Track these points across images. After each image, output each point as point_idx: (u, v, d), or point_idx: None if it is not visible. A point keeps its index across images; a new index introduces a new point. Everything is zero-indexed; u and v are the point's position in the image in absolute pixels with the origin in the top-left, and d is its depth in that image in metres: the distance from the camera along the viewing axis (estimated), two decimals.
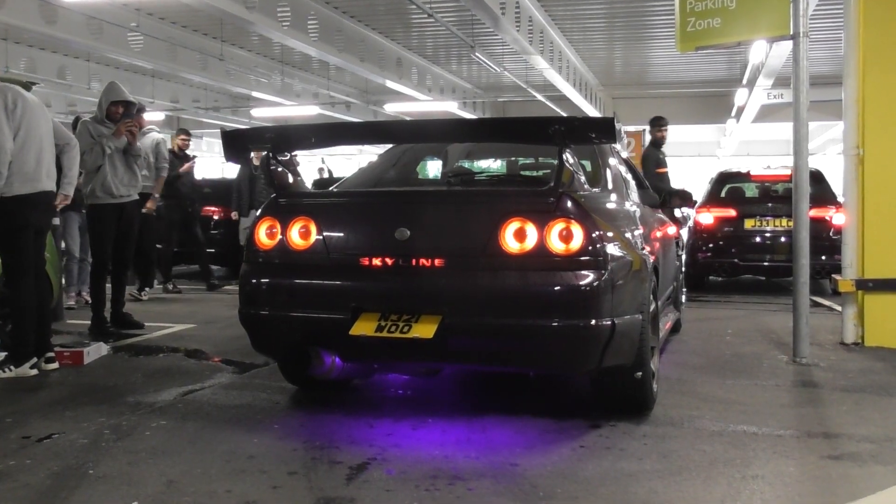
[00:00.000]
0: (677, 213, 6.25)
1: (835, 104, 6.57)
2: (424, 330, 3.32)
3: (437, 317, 3.34)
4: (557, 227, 3.33)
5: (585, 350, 3.35)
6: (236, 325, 4.02)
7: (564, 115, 16.38)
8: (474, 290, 3.38)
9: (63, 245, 7.27)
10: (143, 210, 7.03)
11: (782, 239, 8.52)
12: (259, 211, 3.89)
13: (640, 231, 4.12)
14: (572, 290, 3.28)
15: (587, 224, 3.33)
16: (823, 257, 8.03)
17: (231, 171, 15.11)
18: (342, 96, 19.77)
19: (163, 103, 19.25)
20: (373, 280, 3.52)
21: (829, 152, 28.64)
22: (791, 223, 5.32)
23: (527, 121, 3.95)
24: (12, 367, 4.53)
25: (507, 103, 22.18)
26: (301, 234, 3.65)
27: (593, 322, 3.28)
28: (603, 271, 3.31)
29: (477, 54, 12.89)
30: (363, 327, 3.40)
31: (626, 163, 5.24)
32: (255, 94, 17.78)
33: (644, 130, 19.36)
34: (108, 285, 6.25)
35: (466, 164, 5.07)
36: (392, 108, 19.84)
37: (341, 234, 3.63)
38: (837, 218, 8.09)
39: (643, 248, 3.97)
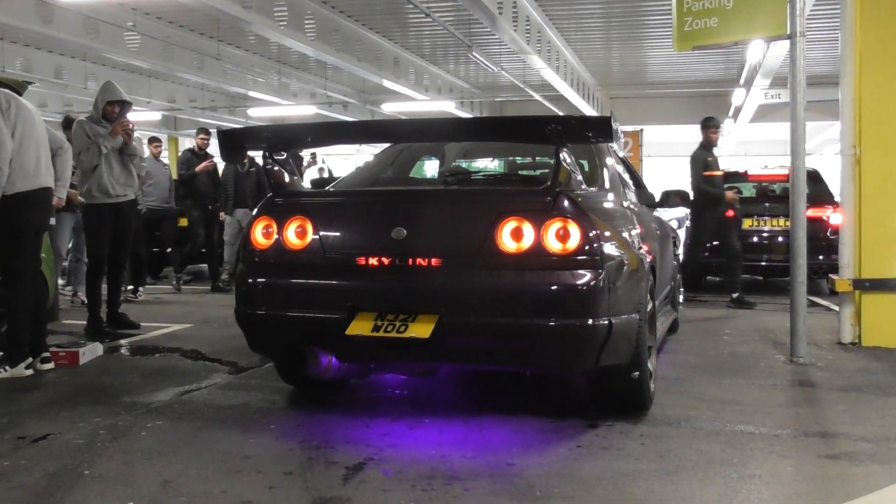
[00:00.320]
0: (672, 212, 6.26)
1: (832, 104, 6.57)
2: (421, 329, 3.31)
3: (434, 316, 3.34)
4: (554, 226, 3.32)
5: (582, 350, 3.35)
6: (233, 325, 4.01)
7: (561, 114, 16.37)
8: (471, 290, 3.37)
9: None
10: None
11: (780, 239, 8.53)
12: (255, 210, 3.88)
13: (638, 230, 4.12)
14: (569, 290, 3.28)
15: (584, 223, 3.33)
16: (821, 257, 8.03)
17: None
18: (339, 96, 19.73)
19: (159, 103, 19.20)
20: (369, 279, 3.51)
21: (826, 152, 28.63)
22: (788, 223, 5.32)
23: (524, 120, 3.94)
24: (8, 368, 4.52)
25: (505, 103, 22.16)
26: (297, 234, 3.64)
27: (590, 321, 3.28)
28: (600, 271, 3.30)
29: (474, 54, 12.88)
30: (360, 327, 3.40)
31: (624, 162, 5.24)
32: (251, 93, 17.74)
33: (641, 130, 19.40)
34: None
35: (463, 164, 5.06)
36: (389, 108, 19.82)
37: (338, 234, 3.63)
38: (835, 218, 8.10)
39: (640, 248, 3.97)
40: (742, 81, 17.24)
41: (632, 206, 4.46)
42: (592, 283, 3.28)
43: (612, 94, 21.05)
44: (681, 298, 6.51)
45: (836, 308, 6.02)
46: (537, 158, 5.22)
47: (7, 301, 4.60)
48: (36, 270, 4.76)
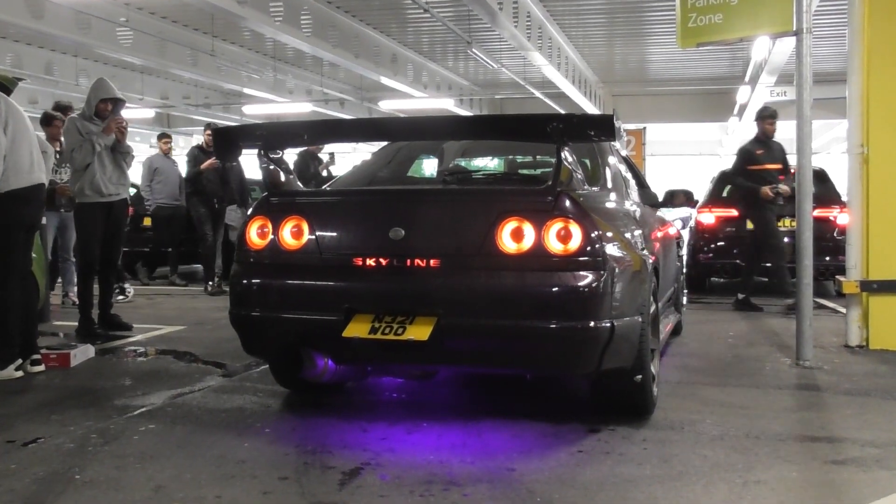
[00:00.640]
0: (677, 212, 6.14)
1: (839, 102, 6.51)
2: (419, 332, 3.27)
3: (433, 318, 3.29)
4: (555, 226, 3.28)
5: (583, 352, 3.30)
6: (227, 327, 3.98)
7: (563, 112, 16.32)
8: (470, 291, 3.33)
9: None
10: None
11: (785, 239, 8.45)
12: (249, 210, 3.84)
13: (640, 231, 4.08)
14: (570, 291, 3.23)
15: (586, 224, 3.28)
16: (827, 258, 7.96)
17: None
18: (336, 93, 19.70)
19: (152, 100, 19.16)
20: (367, 281, 3.47)
21: (833, 151, 28.62)
22: (794, 223, 5.27)
23: (524, 118, 3.92)
24: None
25: (505, 100, 22.13)
26: (293, 234, 3.60)
27: (592, 324, 3.24)
28: (602, 272, 3.26)
29: (474, 50, 12.84)
30: (356, 329, 3.35)
31: (626, 161, 5.19)
32: (246, 90, 17.71)
33: (644, 129, 19.34)
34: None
35: (463, 163, 5.01)
36: (387, 106, 19.80)
37: (334, 234, 3.58)
38: (841, 218, 8.02)
39: (643, 249, 3.92)
40: (747, 79, 17.20)
41: (634, 207, 4.42)
42: (594, 284, 3.24)
43: (615, 92, 21.02)
44: (684, 300, 6.45)
45: (843, 310, 5.97)
46: (538, 157, 5.17)
47: None
48: (27, 270, 4.72)
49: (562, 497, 2.74)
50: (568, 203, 3.30)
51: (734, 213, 8.78)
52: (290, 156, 10.14)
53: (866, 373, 4.80)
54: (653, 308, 3.95)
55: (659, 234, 4.84)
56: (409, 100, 18.35)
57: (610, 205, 3.95)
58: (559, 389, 4.35)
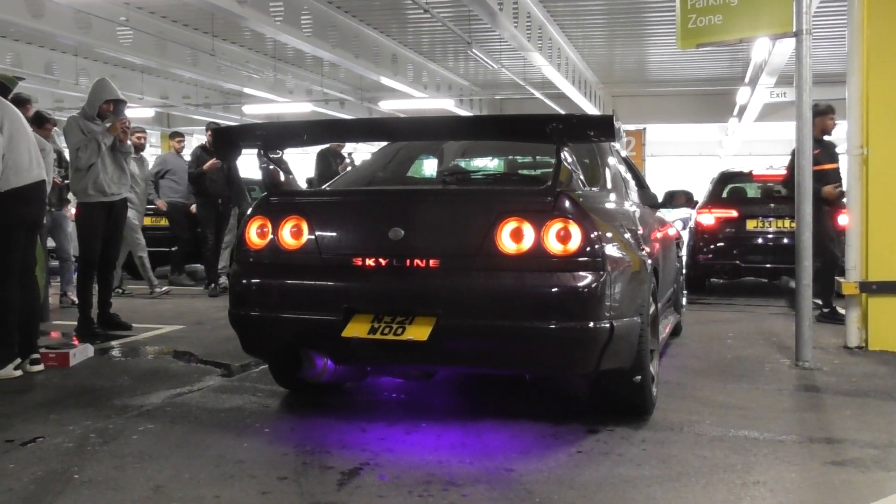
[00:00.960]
0: (677, 213, 6.06)
1: (839, 103, 6.49)
2: (419, 332, 3.26)
3: (432, 318, 3.29)
4: (555, 227, 3.28)
5: (583, 353, 3.30)
6: (226, 327, 3.98)
7: (563, 112, 16.31)
8: (470, 292, 3.33)
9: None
10: None
11: (785, 240, 8.44)
12: (249, 210, 3.83)
13: (640, 232, 4.07)
14: (570, 292, 3.23)
15: (585, 224, 3.28)
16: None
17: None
18: (336, 93, 19.66)
19: (152, 99, 19.10)
20: (366, 281, 3.46)
21: None
22: (794, 224, 5.26)
23: (524, 118, 3.92)
24: None
25: (505, 101, 22.10)
26: (293, 234, 3.60)
27: (591, 324, 3.23)
28: (601, 272, 3.25)
29: (474, 51, 12.82)
30: (356, 329, 3.35)
31: (626, 162, 5.19)
32: (246, 90, 17.67)
33: (644, 129, 19.34)
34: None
35: (462, 163, 5.01)
36: (387, 106, 19.77)
37: (334, 234, 3.58)
38: (841, 219, 8.00)
39: (642, 249, 3.91)
40: (747, 80, 17.17)
41: (634, 207, 4.41)
42: (593, 284, 3.24)
43: (615, 93, 21.00)
44: (684, 301, 6.45)
45: (843, 311, 5.96)
46: (538, 158, 5.16)
47: None
48: (28, 269, 4.70)
49: (560, 497, 2.74)
50: (567, 203, 3.30)
51: (734, 213, 8.78)
52: (311, 155, 9.99)
53: (865, 374, 4.80)
54: (652, 309, 3.95)
55: (658, 235, 4.83)
56: (409, 100, 18.33)
57: (609, 205, 3.95)
58: (558, 390, 4.34)
